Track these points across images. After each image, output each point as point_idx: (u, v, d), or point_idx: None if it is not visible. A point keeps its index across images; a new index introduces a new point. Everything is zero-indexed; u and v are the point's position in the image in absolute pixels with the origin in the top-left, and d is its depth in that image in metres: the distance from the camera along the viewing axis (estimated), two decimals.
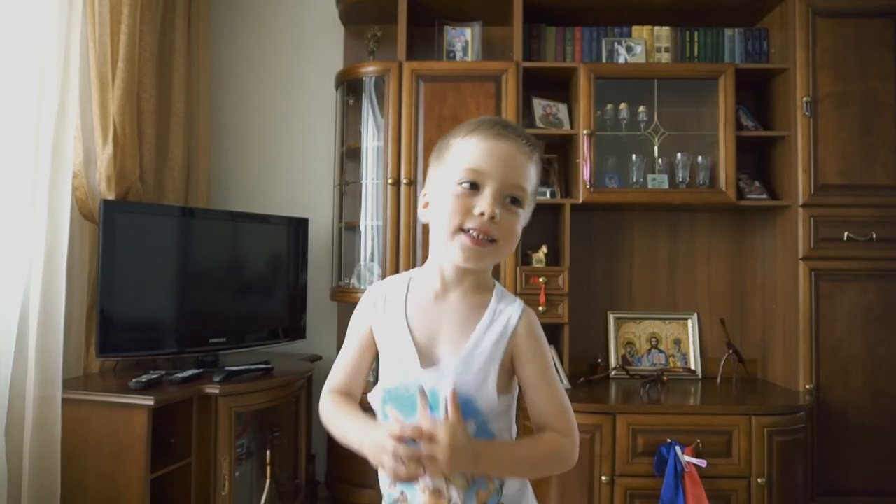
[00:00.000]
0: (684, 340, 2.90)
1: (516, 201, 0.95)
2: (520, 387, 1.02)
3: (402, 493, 0.97)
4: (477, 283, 1.01)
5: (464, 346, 0.97)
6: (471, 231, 0.92)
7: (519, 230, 0.97)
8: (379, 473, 1.00)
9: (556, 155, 2.89)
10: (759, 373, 2.87)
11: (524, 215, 0.98)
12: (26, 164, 1.95)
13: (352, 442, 0.99)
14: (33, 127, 1.98)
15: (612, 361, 2.84)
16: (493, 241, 0.93)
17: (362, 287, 2.71)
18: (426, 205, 1.01)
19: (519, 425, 1.09)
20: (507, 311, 1.00)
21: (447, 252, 0.96)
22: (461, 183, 0.94)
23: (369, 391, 1.06)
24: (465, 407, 0.92)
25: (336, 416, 1.05)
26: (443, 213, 0.95)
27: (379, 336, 1.04)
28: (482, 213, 0.91)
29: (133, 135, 2.33)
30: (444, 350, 0.98)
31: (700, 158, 2.72)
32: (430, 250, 1.03)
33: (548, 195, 2.71)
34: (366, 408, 1.05)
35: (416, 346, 0.98)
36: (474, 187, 0.93)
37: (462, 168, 0.94)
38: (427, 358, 0.98)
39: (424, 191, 1.03)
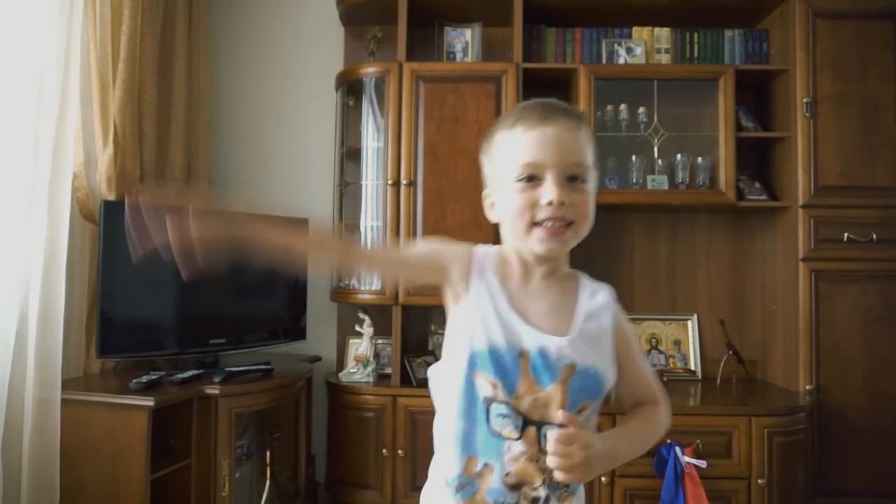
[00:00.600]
0: (684, 341, 2.90)
1: (579, 178, 0.93)
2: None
3: (484, 465, 0.91)
4: (557, 267, 1.00)
5: (571, 323, 0.96)
6: (545, 223, 0.91)
7: (591, 205, 0.95)
8: (443, 460, 0.96)
9: None
10: (759, 373, 2.87)
11: (591, 188, 0.96)
12: (26, 164, 1.96)
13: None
14: (33, 127, 1.98)
15: None
16: (569, 224, 0.92)
17: (362, 288, 2.71)
18: (492, 205, 1.00)
19: None
20: (600, 293, 1.01)
21: (526, 247, 0.95)
22: (520, 179, 0.93)
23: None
24: (590, 383, 0.92)
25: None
26: (511, 212, 0.94)
27: (471, 295, 0.96)
28: (550, 202, 0.90)
29: (133, 136, 2.34)
30: (547, 324, 0.95)
31: (700, 159, 2.72)
32: (505, 242, 1.01)
33: None
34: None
35: (518, 314, 0.94)
36: (534, 179, 0.92)
37: (517, 164, 0.93)
38: (535, 325, 0.94)
39: (486, 191, 1.02)
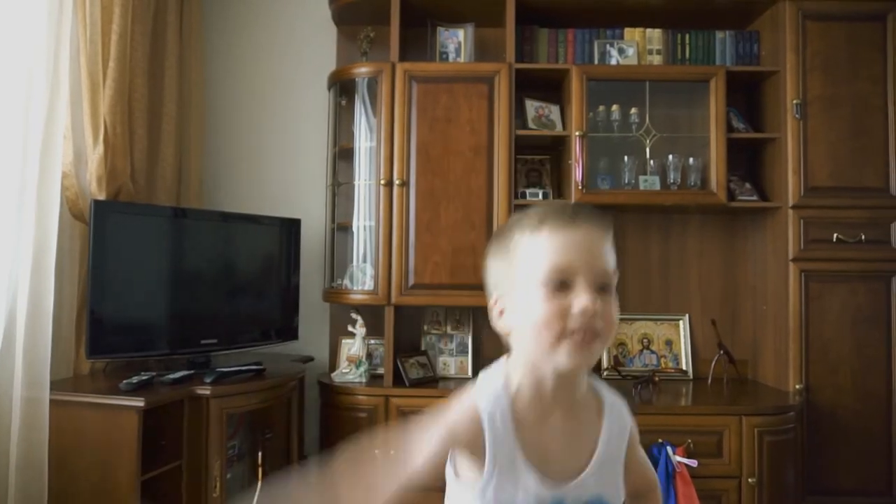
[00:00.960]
0: (676, 341, 2.91)
1: (608, 287, 0.87)
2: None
3: None
4: (577, 388, 0.93)
5: (592, 454, 0.91)
6: (574, 335, 0.84)
7: (617, 316, 0.88)
8: None
9: (549, 156, 2.90)
10: (750, 373, 2.88)
11: (616, 299, 0.89)
12: (15, 163, 1.94)
13: None
14: (22, 126, 1.97)
15: (604, 362, 2.84)
16: (597, 335, 0.85)
17: (354, 288, 2.71)
18: (502, 312, 0.91)
19: None
20: (616, 405, 0.96)
21: (551, 362, 0.86)
22: (548, 284, 0.85)
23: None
24: None
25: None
26: (536, 322, 0.85)
27: (492, 462, 0.88)
28: (583, 312, 0.83)
29: (124, 135, 2.32)
30: (564, 464, 0.90)
31: (691, 160, 2.74)
32: (517, 358, 0.92)
33: (540, 196, 2.72)
34: None
35: (533, 464, 0.88)
36: (564, 286, 0.84)
37: (545, 268, 0.85)
38: (548, 476, 0.89)
39: (494, 297, 0.93)
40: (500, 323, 0.91)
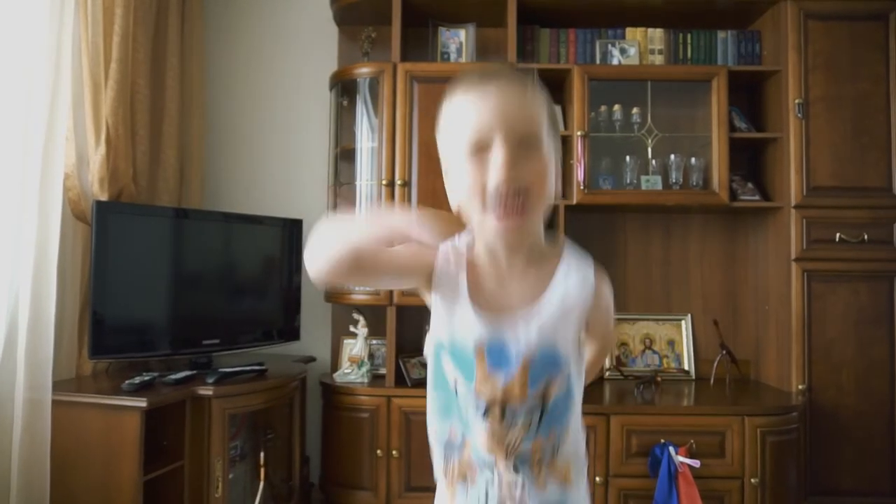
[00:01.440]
0: (678, 341, 2.91)
1: (532, 140, 0.85)
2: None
3: (463, 437, 0.94)
4: (528, 247, 0.93)
5: (537, 307, 0.91)
6: (498, 200, 0.84)
7: (548, 169, 0.87)
8: (432, 436, 0.98)
9: None
10: (752, 374, 2.88)
11: (547, 151, 0.87)
12: (17, 164, 1.95)
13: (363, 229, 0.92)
14: (24, 128, 1.97)
15: (606, 362, 2.84)
16: (522, 201, 0.84)
17: (356, 288, 2.71)
18: (452, 190, 0.93)
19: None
20: (580, 267, 0.96)
21: (485, 234, 0.90)
22: (468, 149, 0.85)
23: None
24: (550, 361, 0.91)
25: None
26: (465, 189, 0.86)
27: (439, 285, 0.93)
28: (497, 168, 0.83)
29: (126, 136, 2.33)
30: (511, 310, 0.92)
31: (693, 160, 2.73)
32: (471, 226, 0.94)
33: None
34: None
35: (477, 305, 0.91)
36: (483, 148, 0.84)
37: (463, 133, 0.86)
38: (494, 315, 0.92)
39: (445, 174, 0.94)
40: (452, 198, 0.92)
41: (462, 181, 0.87)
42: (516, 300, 0.92)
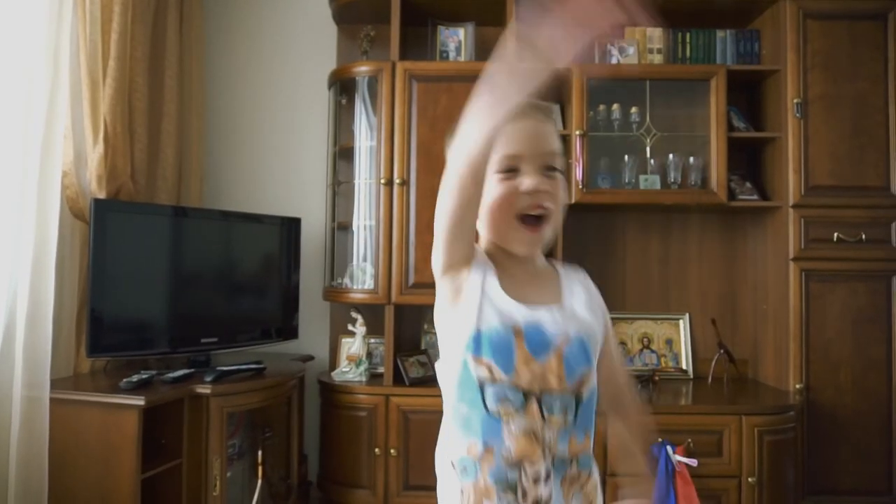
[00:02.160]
0: (676, 340, 2.91)
1: (554, 168, 1.00)
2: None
3: (485, 449, 0.92)
4: (535, 258, 1.06)
5: (560, 297, 1.01)
6: (526, 218, 0.97)
7: (564, 193, 1.02)
8: (448, 442, 0.98)
9: None
10: (750, 373, 2.88)
11: (562, 176, 1.02)
12: (15, 162, 1.94)
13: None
14: (22, 125, 1.97)
15: None
16: (544, 218, 0.98)
17: (355, 287, 2.71)
18: None
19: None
20: (577, 274, 1.08)
21: (509, 241, 1.01)
22: (498, 172, 0.98)
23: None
24: (582, 350, 0.97)
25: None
26: (494, 205, 0.98)
27: (469, 282, 0.97)
28: (529, 189, 0.96)
29: (124, 134, 2.32)
30: (538, 302, 0.99)
31: (692, 159, 2.74)
32: (485, 236, 1.04)
33: None
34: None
35: (510, 294, 0.98)
36: (513, 171, 0.98)
37: (497, 156, 0.97)
38: (527, 303, 0.98)
39: None
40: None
41: (489, 196, 0.98)
42: (540, 297, 1.00)
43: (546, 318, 0.96)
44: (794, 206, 2.58)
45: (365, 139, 2.76)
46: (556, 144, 1.02)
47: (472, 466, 0.93)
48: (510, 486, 0.91)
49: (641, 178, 2.72)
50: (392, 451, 2.49)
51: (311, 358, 2.85)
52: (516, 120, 0.96)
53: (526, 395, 0.92)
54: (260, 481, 2.39)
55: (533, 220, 0.98)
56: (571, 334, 0.97)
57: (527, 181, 0.96)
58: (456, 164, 0.89)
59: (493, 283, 0.97)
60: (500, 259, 1.01)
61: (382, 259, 2.61)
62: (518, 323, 0.94)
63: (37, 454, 1.89)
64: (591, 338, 1.00)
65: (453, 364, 0.97)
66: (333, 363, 2.88)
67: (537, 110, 1.02)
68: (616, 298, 2.93)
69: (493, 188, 0.98)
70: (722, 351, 2.74)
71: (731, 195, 2.69)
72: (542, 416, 0.92)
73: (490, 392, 0.92)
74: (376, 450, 2.50)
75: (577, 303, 1.02)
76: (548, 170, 0.99)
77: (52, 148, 2.05)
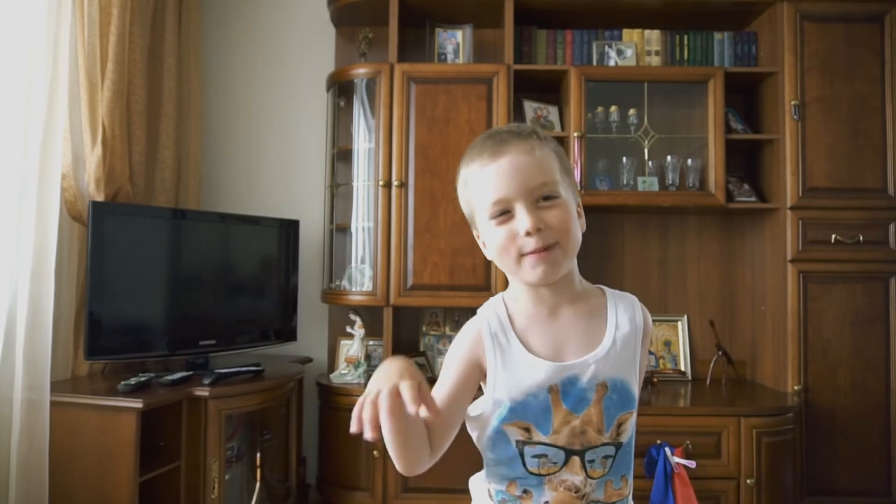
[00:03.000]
0: (674, 342, 2.92)
1: (550, 196, 0.92)
2: None
3: (524, 491, 0.94)
4: (577, 289, 1.00)
5: (601, 341, 0.96)
6: (529, 255, 0.91)
7: (570, 215, 0.94)
8: (486, 473, 0.99)
9: None
10: (749, 374, 2.88)
11: (567, 198, 0.94)
12: (14, 165, 1.94)
13: None
14: (22, 128, 1.97)
15: None
16: (553, 245, 0.91)
17: (353, 289, 2.71)
18: (484, 244, 1.00)
19: None
20: (625, 298, 1.02)
21: (524, 279, 0.95)
22: (493, 218, 0.93)
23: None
24: (623, 395, 0.94)
25: None
26: (497, 250, 0.94)
27: (495, 365, 0.96)
28: (527, 233, 0.90)
29: (123, 136, 2.32)
30: (577, 348, 0.96)
31: (690, 161, 2.74)
32: (510, 279, 1.01)
33: None
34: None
35: (536, 352, 0.95)
36: (506, 213, 0.92)
37: (485, 205, 0.94)
38: (558, 359, 0.95)
39: (477, 231, 1.01)
40: (486, 253, 1.00)
41: (492, 242, 0.95)
42: (575, 345, 0.96)
43: (581, 369, 0.93)
44: (792, 208, 2.58)
45: (363, 141, 2.76)
46: (545, 172, 0.93)
47: (513, 501, 0.95)
48: None
49: (639, 179, 2.73)
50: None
51: (309, 360, 2.85)
52: (493, 158, 0.93)
53: (567, 453, 0.92)
54: (258, 483, 2.39)
55: (537, 254, 0.92)
56: (609, 380, 0.94)
57: (521, 224, 0.90)
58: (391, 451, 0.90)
59: (515, 351, 0.95)
60: (528, 298, 0.98)
61: (381, 261, 2.61)
62: (552, 382, 0.92)
63: (37, 456, 1.89)
64: (626, 382, 0.95)
65: (486, 431, 0.96)
66: (332, 365, 2.88)
67: (517, 138, 0.94)
68: None
69: (492, 234, 0.94)
70: (720, 352, 2.74)
71: (729, 197, 2.70)
72: (585, 470, 0.92)
73: (529, 453, 0.92)
74: (375, 452, 2.49)
75: (620, 337, 0.97)
76: (543, 200, 0.92)
77: (52, 150, 2.05)
